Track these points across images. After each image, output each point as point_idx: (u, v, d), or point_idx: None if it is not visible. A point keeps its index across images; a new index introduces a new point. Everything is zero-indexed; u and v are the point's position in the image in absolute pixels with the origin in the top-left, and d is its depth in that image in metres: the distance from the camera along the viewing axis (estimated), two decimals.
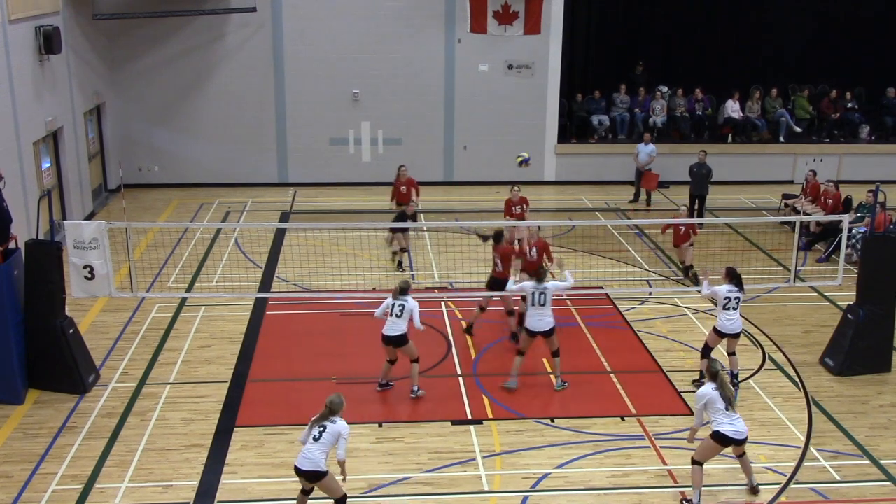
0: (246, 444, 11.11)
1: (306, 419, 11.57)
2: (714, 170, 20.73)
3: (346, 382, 12.69)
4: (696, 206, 20.60)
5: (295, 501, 9.58)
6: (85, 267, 12.49)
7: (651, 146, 22.62)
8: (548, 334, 12.44)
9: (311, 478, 9.14)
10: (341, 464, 9.13)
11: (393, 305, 12.15)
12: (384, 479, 10.38)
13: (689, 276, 16.85)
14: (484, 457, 10.89)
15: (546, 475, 10.50)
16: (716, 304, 12.58)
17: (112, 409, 11.99)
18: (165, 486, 10.21)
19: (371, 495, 10.10)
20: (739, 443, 9.79)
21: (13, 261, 12.08)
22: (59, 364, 12.24)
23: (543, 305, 12.30)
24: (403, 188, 18.26)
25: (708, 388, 9.69)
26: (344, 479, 9.30)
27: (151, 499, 9.99)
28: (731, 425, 9.62)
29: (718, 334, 12.43)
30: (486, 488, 10.27)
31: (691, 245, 16.81)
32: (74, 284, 12.60)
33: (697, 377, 12.76)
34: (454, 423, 11.70)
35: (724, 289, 12.32)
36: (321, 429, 9.07)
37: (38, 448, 10.99)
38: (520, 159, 16.23)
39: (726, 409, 9.62)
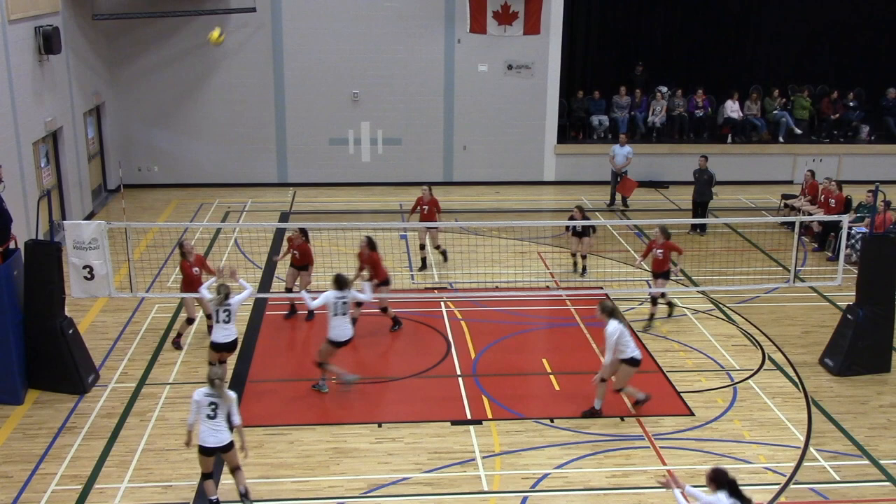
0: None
1: (306, 419, 11.66)
2: (714, 170, 20.66)
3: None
4: (698, 213, 20.46)
5: (201, 486, 9.74)
6: (84, 267, 12.50)
7: (627, 147, 22.50)
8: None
9: (226, 450, 9.46)
10: (239, 429, 9.50)
11: (218, 311, 11.78)
12: (384, 480, 10.38)
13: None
14: (483, 457, 10.89)
15: (545, 475, 10.50)
16: None
17: (112, 409, 11.99)
18: (165, 487, 10.21)
19: (371, 495, 10.11)
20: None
21: (13, 261, 12.09)
22: (58, 364, 12.24)
23: (345, 315, 12.05)
24: (296, 252, 14.96)
25: (619, 325, 11.24)
26: (242, 448, 9.60)
27: (151, 499, 9.99)
28: (637, 350, 11.50)
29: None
30: (486, 488, 10.27)
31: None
32: (74, 284, 12.61)
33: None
34: (454, 423, 11.70)
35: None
36: (213, 406, 9.34)
37: (38, 448, 10.99)
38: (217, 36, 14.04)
39: (630, 337, 11.44)
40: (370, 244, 14.25)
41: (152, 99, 23.38)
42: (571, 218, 16.66)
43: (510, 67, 24.10)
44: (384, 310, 14.47)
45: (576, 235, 16.87)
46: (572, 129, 25.37)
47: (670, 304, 15.36)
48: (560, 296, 16.07)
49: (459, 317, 15.19)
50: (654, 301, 14.92)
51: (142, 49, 23.08)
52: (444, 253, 17.65)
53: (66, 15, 19.65)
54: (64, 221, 14.86)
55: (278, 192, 23.58)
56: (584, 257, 17.10)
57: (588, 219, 16.97)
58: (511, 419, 11.81)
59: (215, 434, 9.38)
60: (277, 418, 11.75)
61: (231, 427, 9.48)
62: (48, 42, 17.89)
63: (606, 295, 15.91)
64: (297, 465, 10.69)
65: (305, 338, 14.50)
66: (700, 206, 20.50)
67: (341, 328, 12.05)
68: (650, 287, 16.74)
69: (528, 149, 24.58)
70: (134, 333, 14.45)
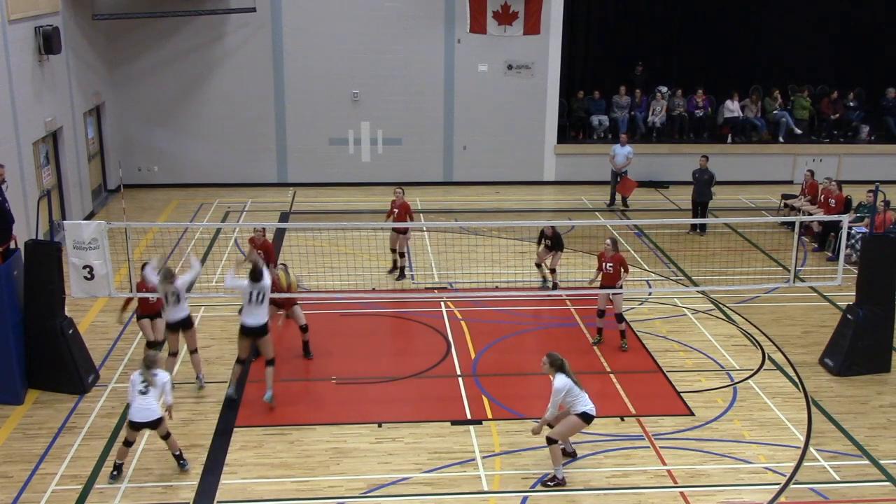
0: (245, 445, 11.11)
1: (306, 419, 11.67)
2: (714, 170, 20.64)
3: (345, 382, 12.69)
4: (698, 213, 20.45)
5: (121, 453, 10.36)
6: (84, 267, 12.48)
7: (628, 147, 22.51)
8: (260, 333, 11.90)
9: (154, 426, 10.16)
10: (170, 407, 10.33)
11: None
12: (384, 480, 10.38)
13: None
14: (483, 457, 10.89)
15: (546, 475, 10.50)
16: None
17: (112, 409, 11.99)
18: (165, 487, 10.21)
19: (371, 495, 10.11)
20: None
21: (13, 261, 12.09)
22: (58, 364, 12.24)
23: (260, 303, 11.77)
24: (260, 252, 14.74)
25: (566, 380, 10.12)
26: (170, 417, 10.45)
27: (151, 499, 9.98)
28: (591, 403, 10.25)
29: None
30: (486, 488, 10.27)
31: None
32: (74, 284, 12.60)
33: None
34: (454, 423, 11.70)
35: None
36: (145, 384, 10.06)
37: (38, 448, 10.99)
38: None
39: (581, 390, 10.23)
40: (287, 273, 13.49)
41: (152, 99, 23.38)
42: (542, 232, 16.07)
43: (510, 67, 24.10)
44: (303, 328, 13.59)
45: (548, 249, 16.03)
46: (572, 129, 25.38)
47: (622, 333, 14.01)
48: (560, 296, 16.07)
49: (459, 317, 15.20)
50: (601, 314, 14.03)
51: (142, 49, 23.08)
52: (402, 269, 16.91)
53: (66, 15, 19.65)
54: (64, 221, 14.86)
55: (278, 192, 23.58)
56: (552, 271, 16.21)
57: (558, 236, 15.98)
58: (511, 419, 11.81)
59: (143, 410, 10.09)
60: (277, 418, 11.75)
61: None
62: (48, 42, 17.89)
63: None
64: (298, 465, 10.69)
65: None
66: (700, 206, 20.49)
67: (249, 314, 11.76)
68: (649, 287, 16.78)
69: (528, 149, 24.58)
70: (134, 333, 14.42)
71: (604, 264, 13.85)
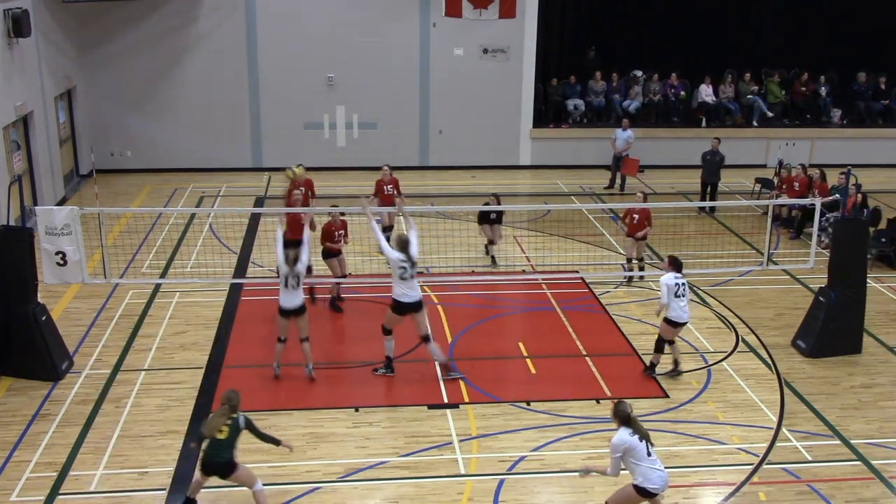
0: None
1: (283, 404, 11.65)
2: (687, 154, 20.80)
3: (320, 367, 12.66)
4: (707, 193, 20.76)
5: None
6: (57, 253, 12.37)
7: (629, 132, 22.64)
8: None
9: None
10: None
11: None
12: (361, 464, 10.39)
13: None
14: (460, 440, 10.94)
15: (522, 458, 10.56)
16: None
17: (86, 395, 11.92)
18: (141, 473, 10.16)
19: (348, 480, 10.12)
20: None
21: None
22: (31, 351, 12.13)
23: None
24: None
25: (625, 436, 8.46)
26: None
27: (127, 485, 9.94)
28: (659, 472, 8.54)
29: (672, 324, 12.17)
30: (463, 471, 10.32)
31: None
32: (47, 271, 12.49)
33: (671, 368, 12.61)
34: (430, 407, 11.73)
35: (670, 277, 11.99)
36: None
37: (12, 436, 10.90)
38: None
39: (648, 453, 8.47)
40: None
41: (125, 83, 23.13)
42: (487, 205, 16.37)
43: (486, 51, 24.06)
44: None
45: (488, 223, 16.73)
46: (548, 113, 25.38)
47: (641, 269, 16.20)
48: (536, 279, 16.12)
49: (435, 301, 15.19)
50: (629, 261, 16.19)
51: (113, 32, 22.81)
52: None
53: None
54: (36, 207, 14.68)
55: (253, 177, 23.44)
56: (492, 243, 16.91)
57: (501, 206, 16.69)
58: (487, 402, 11.85)
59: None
60: (254, 403, 11.68)
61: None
62: (17, 25, 17.63)
63: (582, 279, 16.00)
64: (274, 449, 10.61)
65: None
66: (710, 187, 20.79)
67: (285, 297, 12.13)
68: (625, 271, 16.86)
69: (503, 133, 24.58)
70: (108, 320, 14.35)
71: (633, 216, 15.70)
